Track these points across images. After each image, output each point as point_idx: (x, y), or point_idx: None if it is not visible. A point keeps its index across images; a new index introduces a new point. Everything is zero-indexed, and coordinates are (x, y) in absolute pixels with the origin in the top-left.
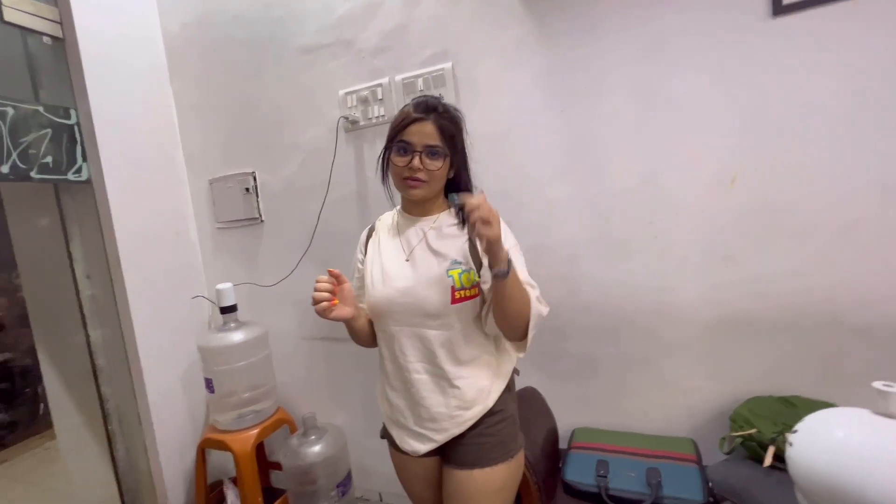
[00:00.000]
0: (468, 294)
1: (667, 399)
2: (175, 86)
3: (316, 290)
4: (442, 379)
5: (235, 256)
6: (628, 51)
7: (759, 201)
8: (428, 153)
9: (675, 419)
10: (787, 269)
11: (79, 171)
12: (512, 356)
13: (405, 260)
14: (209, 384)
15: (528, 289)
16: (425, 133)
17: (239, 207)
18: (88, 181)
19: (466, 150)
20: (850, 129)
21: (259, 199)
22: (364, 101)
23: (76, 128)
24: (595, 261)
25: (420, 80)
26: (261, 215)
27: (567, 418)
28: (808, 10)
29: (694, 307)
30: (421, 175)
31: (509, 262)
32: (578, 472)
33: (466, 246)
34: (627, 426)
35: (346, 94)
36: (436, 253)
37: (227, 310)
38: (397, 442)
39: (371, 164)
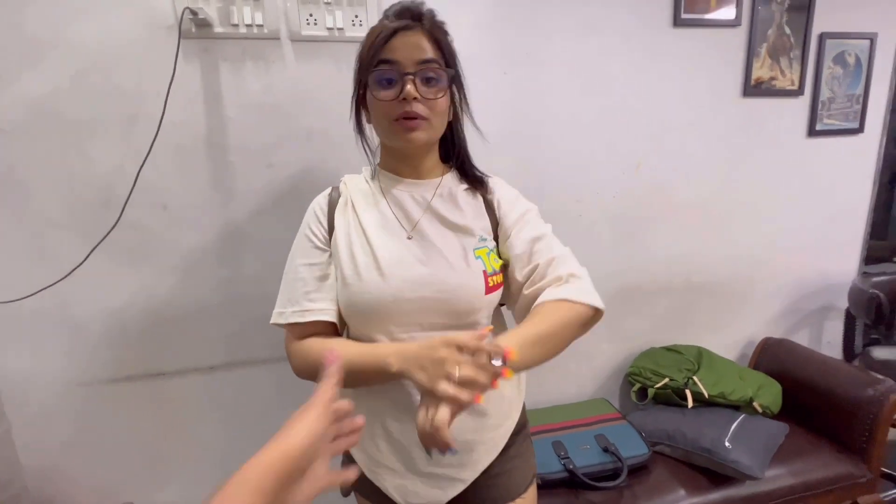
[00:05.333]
0: (498, 281)
1: (579, 367)
2: None
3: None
4: None
5: None
6: (568, 22)
7: (652, 186)
8: (423, 77)
9: (583, 384)
10: (662, 241)
11: None
12: None
13: (407, 237)
14: None
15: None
16: (417, 46)
17: None
18: None
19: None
20: (699, 128)
21: None
22: None
23: None
24: None
25: None
26: None
27: None
28: (700, 28)
29: (605, 281)
30: (420, 109)
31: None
32: (542, 462)
33: (488, 216)
34: (547, 402)
35: None
36: (453, 226)
37: None
38: (397, 496)
39: (233, 95)
